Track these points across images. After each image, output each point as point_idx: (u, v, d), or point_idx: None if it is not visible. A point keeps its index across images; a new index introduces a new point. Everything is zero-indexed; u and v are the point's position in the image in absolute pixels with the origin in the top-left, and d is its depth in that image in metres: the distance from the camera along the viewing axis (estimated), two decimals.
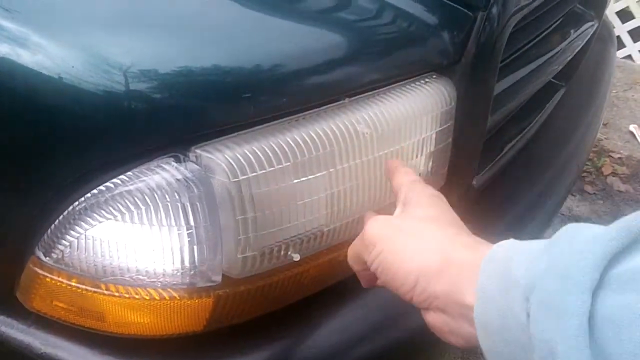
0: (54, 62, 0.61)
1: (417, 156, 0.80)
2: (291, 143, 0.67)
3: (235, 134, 0.65)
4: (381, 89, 0.77)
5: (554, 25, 1.21)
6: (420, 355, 0.90)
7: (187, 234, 0.65)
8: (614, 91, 3.46)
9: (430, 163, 0.84)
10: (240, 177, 0.64)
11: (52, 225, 0.65)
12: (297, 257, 0.71)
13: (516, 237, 0.51)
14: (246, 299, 0.72)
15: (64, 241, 0.65)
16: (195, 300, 0.69)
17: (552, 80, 1.41)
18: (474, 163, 0.92)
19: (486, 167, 1.03)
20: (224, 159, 0.63)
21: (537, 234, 1.15)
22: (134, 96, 0.60)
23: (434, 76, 0.82)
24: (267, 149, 0.66)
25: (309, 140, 0.68)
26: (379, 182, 0.76)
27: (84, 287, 0.67)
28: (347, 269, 0.75)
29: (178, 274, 0.67)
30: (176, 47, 0.64)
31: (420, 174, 0.84)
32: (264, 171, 0.65)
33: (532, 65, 1.09)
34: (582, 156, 1.38)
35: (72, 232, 0.65)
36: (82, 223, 0.64)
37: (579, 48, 1.34)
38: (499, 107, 1.00)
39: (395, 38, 0.77)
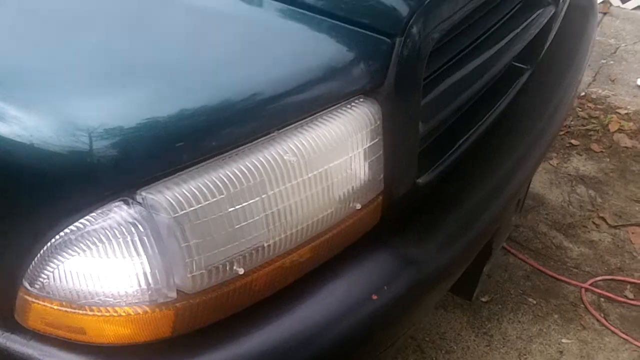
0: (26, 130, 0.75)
1: (348, 171, 0.92)
2: (223, 178, 0.80)
3: (175, 175, 0.78)
4: (310, 117, 0.88)
5: (501, 19, 1.29)
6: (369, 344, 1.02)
7: (141, 262, 0.78)
8: (622, 45, 3.46)
9: (365, 175, 0.95)
10: (180, 212, 0.77)
11: (33, 261, 0.80)
12: (241, 271, 0.85)
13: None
14: (203, 308, 0.85)
15: (43, 274, 0.80)
16: (158, 313, 0.83)
17: (515, 64, 1.49)
18: (412, 167, 1.03)
19: (434, 165, 1.14)
20: (165, 198, 0.77)
21: None
22: (88, 154, 0.74)
23: (361, 99, 0.93)
24: (202, 186, 0.78)
25: (239, 174, 0.80)
26: (311, 200, 0.88)
27: (64, 309, 0.82)
28: (297, 273, 0.89)
29: (138, 294, 0.80)
30: (118, 110, 0.76)
31: (359, 184, 0.96)
32: (200, 205, 0.78)
33: (476, 62, 1.18)
34: (547, 138, 1.46)
35: (49, 266, 0.79)
36: (56, 259, 0.79)
37: (537, 31, 1.41)
38: (441, 108, 1.10)
39: (317, 69, 0.88)
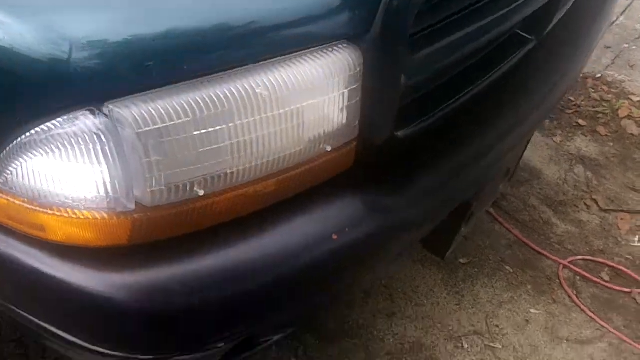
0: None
1: (321, 113, 0.93)
2: (192, 102, 0.82)
3: (143, 93, 0.80)
4: (289, 55, 0.89)
5: None
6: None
7: (101, 171, 0.82)
8: None
9: (339, 119, 0.97)
10: (144, 129, 0.80)
11: (0, 156, 0.83)
12: (201, 193, 0.87)
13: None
14: (161, 222, 0.89)
15: (8, 169, 0.83)
16: (115, 221, 0.86)
17: (520, 32, 1.48)
18: (390, 118, 1.04)
19: (417, 121, 1.15)
20: (130, 113, 0.79)
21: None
22: (66, 62, 0.76)
23: (344, 44, 0.93)
24: (169, 106, 0.80)
25: (208, 100, 0.82)
26: (280, 135, 0.90)
27: (26, 205, 0.86)
28: (261, 203, 0.91)
29: (97, 200, 0.84)
30: (94, 22, 0.78)
31: (332, 127, 0.97)
32: (165, 124, 0.81)
33: (473, 26, 1.17)
34: (540, 113, 1.46)
35: (14, 163, 0.83)
36: (21, 157, 0.82)
37: (545, 1, 1.39)
38: (429, 66, 1.10)
39: (302, 9, 0.89)
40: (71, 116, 0.79)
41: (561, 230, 2.46)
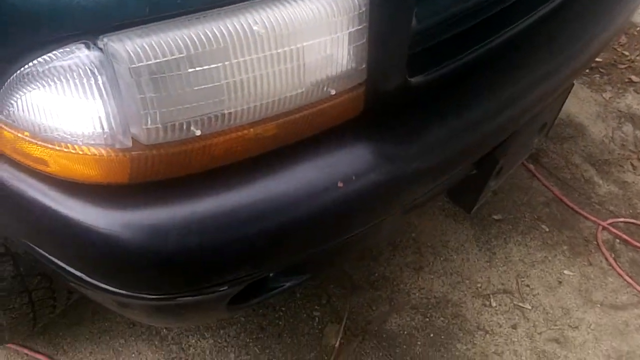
0: None
1: (323, 54, 0.91)
2: (186, 38, 0.81)
3: (138, 27, 0.80)
4: None
5: None
6: None
7: (97, 106, 0.82)
8: None
9: (343, 61, 0.94)
10: (138, 64, 0.79)
11: (2, 89, 0.84)
12: (198, 132, 0.87)
13: None
14: (160, 161, 0.89)
15: (10, 102, 0.85)
16: (114, 158, 0.87)
17: None
18: (400, 64, 1.01)
19: (434, 68, 1.11)
20: (124, 48, 0.79)
21: None
22: None
23: None
24: (163, 42, 0.80)
25: (203, 37, 0.81)
26: (279, 76, 0.88)
27: (28, 139, 0.87)
28: (261, 147, 0.91)
29: (94, 135, 0.84)
30: None
31: (335, 69, 0.95)
32: (159, 60, 0.80)
33: None
34: (573, 67, 1.39)
35: (14, 96, 0.84)
36: (20, 90, 0.83)
37: None
38: (442, 10, 1.05)
39: None
40: (67, 49, 0.79)
41: (603, 191, 2.38)
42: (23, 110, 0.84)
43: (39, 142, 0.87)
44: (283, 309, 1.95)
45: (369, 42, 0.94)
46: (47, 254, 1.01)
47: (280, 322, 1.92)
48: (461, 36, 1.18)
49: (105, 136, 0.84)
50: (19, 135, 0.87)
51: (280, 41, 0.86)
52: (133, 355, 1.82)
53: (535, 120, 1.59)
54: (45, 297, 1.49)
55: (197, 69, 0.82)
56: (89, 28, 0.79)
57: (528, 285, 2.08)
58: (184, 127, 0.86)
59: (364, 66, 0.97)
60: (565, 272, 2.12)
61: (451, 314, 1.99)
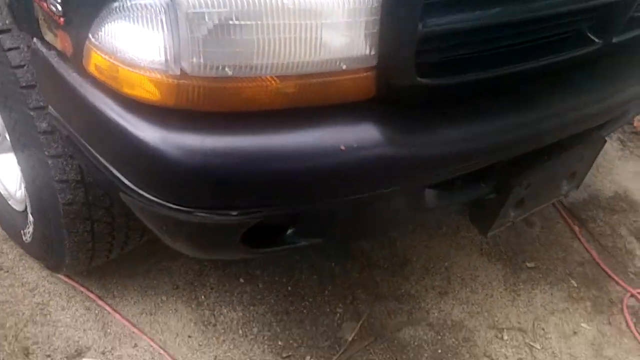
0: None
1: (338, 35, 1.15)
2: None
3: None
4: None
5: None
6: None
7: (160, 39, 1.10)
8: None
9: (356, 43, 1.18)
10: (193, 11, 1.07)
11: (96, 18, 1.15)
12: (230, 72, 1.14)
13: None
14: (198, 91, 1.16)
15: (100, 29, 1.15)
16: (165, 81, 1.14)
17: (588, 34, 1.58)
18: (407, 60, 1.23)
19: (445, 75, 1.33)
20: None
21: None
22: None
23: None
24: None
25: None
26: (299, 42, 1.14)
27: (108, 59, 1.17)
28: (282, 102, 1.16)
29: (154, 61, 1.13)
30: None
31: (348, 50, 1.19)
32: (209, 10, 1.08)
33: None
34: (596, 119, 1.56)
35: (103, 25, 1.14)
36: (108, 21, 1.13)
37: None
38: (449, 13, 1.25)
39: None
40: None
41: None
42: (109, 35, 1.14)
43: (116, 62, 1.16)
44: (310, 299, 2.15)
45: (380, 34, 1.18)
46: (104, 161, 1.29)
47: (305, 311, 2.12)
48: (479, 57, 1.39)
49: (162, 63, 1.13)
50: (103, 55, 1.17)
51: (303, 15, 1.12)
52: (170, 312, 2.07)
53: (555, 162, 1.74)
54: (104, 232, 1.76)
55: (236, 22, 1.09)
56: None
57: (543, 329, 2.17)
58: (220, 67, 1.13)
59: (373, 53, 1.21)
60: (583, 324, 2.20)
61: (463, 337, 2.11)
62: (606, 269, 2.38)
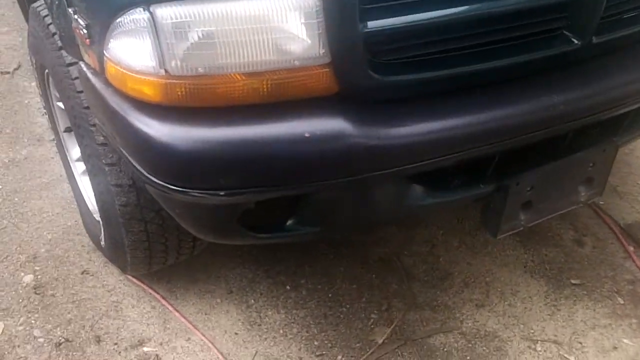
0: None
1: (287, 34, 1.39)
2: (197, 9, 1.36)
3: (171, 1, 1.38)
4: None
5: None
6: None
7: (148, 47, 1.41)
8: None
9: (303, 43, 1.41)
10: (166, 22, 1.37)
11: (106, 35, 1.48)
12: (202, 71, 1.41)
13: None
14: (181, 89, 1.44)
15: (109, 43, 1.48)
16: (155, 81, 1.43)
17: (565, 32, 1.69)
18: (358, 58, 1.43)
19: (405, 73, 1.52)
20: (161, 12, 1.37)
21: None
22: None
23: None
24: (181, 10, 1.36)
25: (205, 10, 1.36)
26: (255, 43, 1.39)
27: (117, 67, 1.49)
28: (253, 97, 1.42)
29: (146, 66, 1.43)
30: None
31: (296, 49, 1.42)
32: (178, 20, 1.37)
33: None
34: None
35: (110, 39, 1.47)
36: (112, 36, 1.45)
37: None
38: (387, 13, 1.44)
39: None
40: (135, 10, 1.38)
41: None
42: (114, 48, 1.47)
43: (121, 69, 1.48)
44: (347, 306, 2.32)
45: (327, 35, 1.40)
46: (127, 154, 1.60)
47: (341, 315, 2.28)
48: (443, 56, 1.55)
49: (151, 66, 1.42)
50: (113, 65, 1.49)
51: (252, 20, 1.37)
52: (223, 312, 2.32)
53: (556, 165, 1.82)
54: (157, 233, 2.06)
55: (201, 29, 1.37)
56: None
57: (580, 343, 2.17)
58: (194, 67, 1.41)
59: (323, 51, 1.43)
60: (625, 340, 2.16)
61: (494, 347, 2.17)
62: None
